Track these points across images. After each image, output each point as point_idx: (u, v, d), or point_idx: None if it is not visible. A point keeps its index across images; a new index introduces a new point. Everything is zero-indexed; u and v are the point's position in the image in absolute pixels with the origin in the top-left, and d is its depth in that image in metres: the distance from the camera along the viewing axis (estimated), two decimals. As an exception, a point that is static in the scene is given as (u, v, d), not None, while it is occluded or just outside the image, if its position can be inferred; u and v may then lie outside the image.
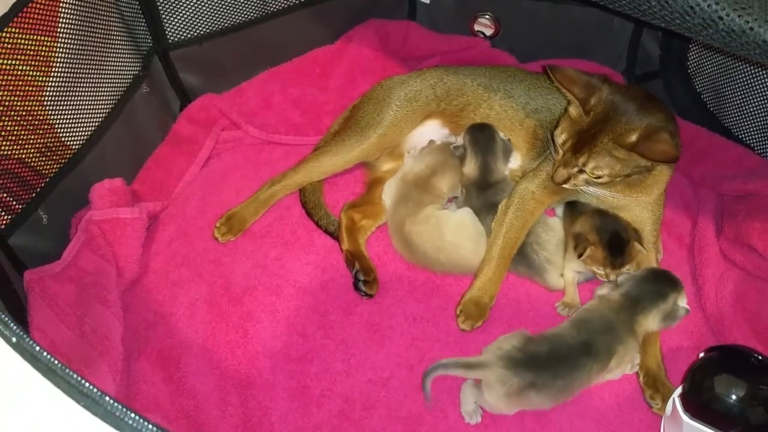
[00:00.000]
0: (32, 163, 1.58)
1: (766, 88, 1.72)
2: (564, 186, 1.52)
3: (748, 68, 1.73)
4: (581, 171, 1.47)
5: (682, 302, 1.48)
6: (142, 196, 1.81)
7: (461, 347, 1.56)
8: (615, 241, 1.52)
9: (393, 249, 1.72)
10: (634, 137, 1.40)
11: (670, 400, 1.32)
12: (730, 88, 1.83)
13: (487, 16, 2.20)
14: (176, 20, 1.92)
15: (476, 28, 2.23)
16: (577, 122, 1.46)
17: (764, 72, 1.70)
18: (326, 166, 1.79)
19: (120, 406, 0.61)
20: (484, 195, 1.71)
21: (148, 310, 1.62)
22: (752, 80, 1.75)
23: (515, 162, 1.79)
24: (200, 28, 1.97)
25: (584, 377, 1.40)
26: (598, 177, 1.46)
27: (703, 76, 1.93)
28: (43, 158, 1.61)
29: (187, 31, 1.96)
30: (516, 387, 1.35)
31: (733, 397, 1.17)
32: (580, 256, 1.51)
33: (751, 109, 1.79)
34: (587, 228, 1.54)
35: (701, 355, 1.32)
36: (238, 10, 1.98)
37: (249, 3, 1.98)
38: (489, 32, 2.22)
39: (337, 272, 1.69)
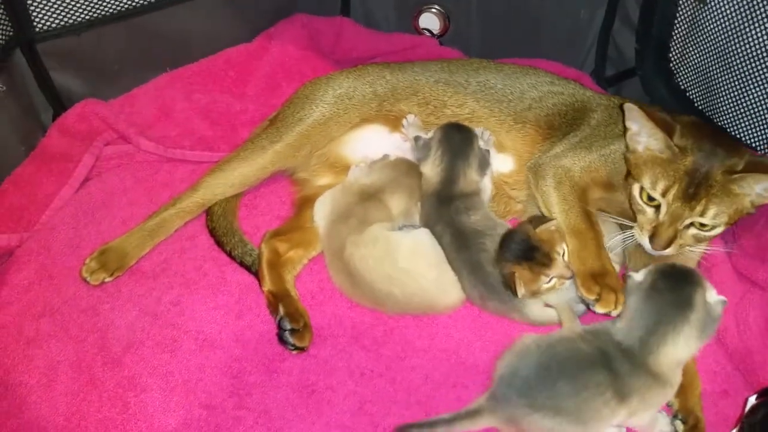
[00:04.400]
0: None
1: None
2: (664, 252, 1.34)
3: (750, 51, 1.54)
4: (689, 225, 1.33)
5: (712, 297, 1.20)
6: (-8, 226, 1.61)
7: (426, 408, 1.34)
8: (521, 251, 1.38)
9: (331, 284, 1.53)
10: (741, 164, 1.30)
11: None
12: (725, 80, 1.63)
13: (433, 10, 2.05)
14: (45, 1, 1.67)
15: (421, 25, 2.10)
16: (672, 162, 1.32)
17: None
18: (232, 177, 1.59)
19: None
20: (444, 209, 1.51)
21: (-11, 379, 1.38)
22: (755, 66, 1.53)
23: (507, 166, 1.62)
24: (77, 14, 1.73)
25: (597, 401, 1.15)
26: (714, 227, 1.32)
27: (689, 70, 1.75)
28: None
29: (60, 17, 1.71)
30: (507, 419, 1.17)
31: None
32: (516, 292, 1.36)
33: (751, 102, 1.58)
34: (499, 264, 1.41)
35: (752, 399, 1.19)
36: (127, -10, 1.75)
37: (142, -19, 1.75)
38: (436, 29, 2.09)
39: (256, 317, 1.47)
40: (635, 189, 1.36)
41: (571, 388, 1.14)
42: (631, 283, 1.23)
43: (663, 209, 1.33)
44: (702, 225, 1.31)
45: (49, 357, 1.39)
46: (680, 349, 1.17)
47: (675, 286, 1.19)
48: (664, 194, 1.32)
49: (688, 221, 1.31)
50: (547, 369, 1.16)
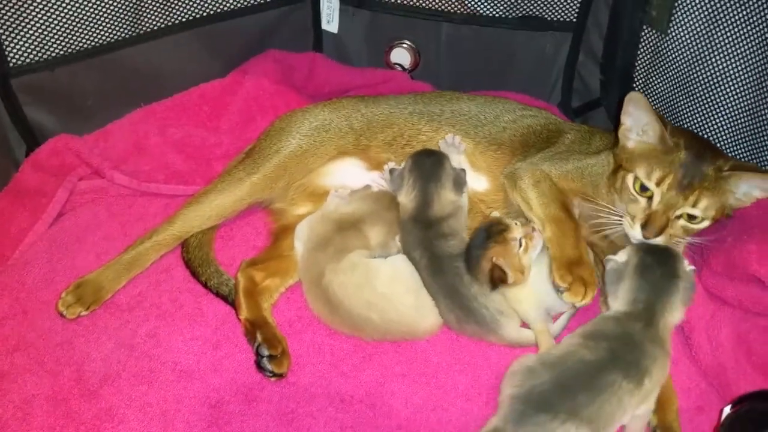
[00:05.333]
0: None
1: (735, 99, 1.57)
2: (655, 241, 1.35)
3: (710, 78, 1.59)
4: (679, 217, 1.36)
5: (688, 267, 1.32)
6: (-35, 262, 1.56)
7: (407, 433, 1.29)
8: (481, 239, 1.42)
9: (309, 312, 1.50)
10: (727, 165, 1.35)
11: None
12: (687, 107, 1.67)
13: (404, 45, 2.07)
14: (19, 36, 1.64)
15: (393, 60, 2.12)
16: (667, 154, 1.36)
17: (734, 81, 1.55)
18: (209, 208, 1.57)
19: None
20: (423, 234, 1.50)
21: (-41, 416, 1.30)
22: (717, 93, 1.59)
23: (482, 185, 1.63)
24: (52, 49, 1.70)
25: (614, 399, 1.17)
26: (702, 220, 1.36)
27: (653, 98, 1.77)
28: None
29: (35, 52, 1.69)
30: None
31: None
32: (508, 278, 1.38)
33: (713, 129, 1.63)
34: (476, 273, 1.42)
35: (727, 409, 1.20)
36: (101, 27, 1.73)
37: (116, 18, 1.74)
38: (407, 64, 2.11)
39: (234, 347, 1.44)
40: (629, 179, 1.38)
41: (588, 397, 1.16)
42: (616, 265, 1.30)
43: (657, 198, 1.35)
44: (691, 217, 1.35)
45: (24, 391, 1.34)
46: (676, 315, 1.27)
47: (662, 260, 1.29)
48: (658, 183, 1.34)
49: (680, 211, 1.34)
50: (563, 385, 1.17)
